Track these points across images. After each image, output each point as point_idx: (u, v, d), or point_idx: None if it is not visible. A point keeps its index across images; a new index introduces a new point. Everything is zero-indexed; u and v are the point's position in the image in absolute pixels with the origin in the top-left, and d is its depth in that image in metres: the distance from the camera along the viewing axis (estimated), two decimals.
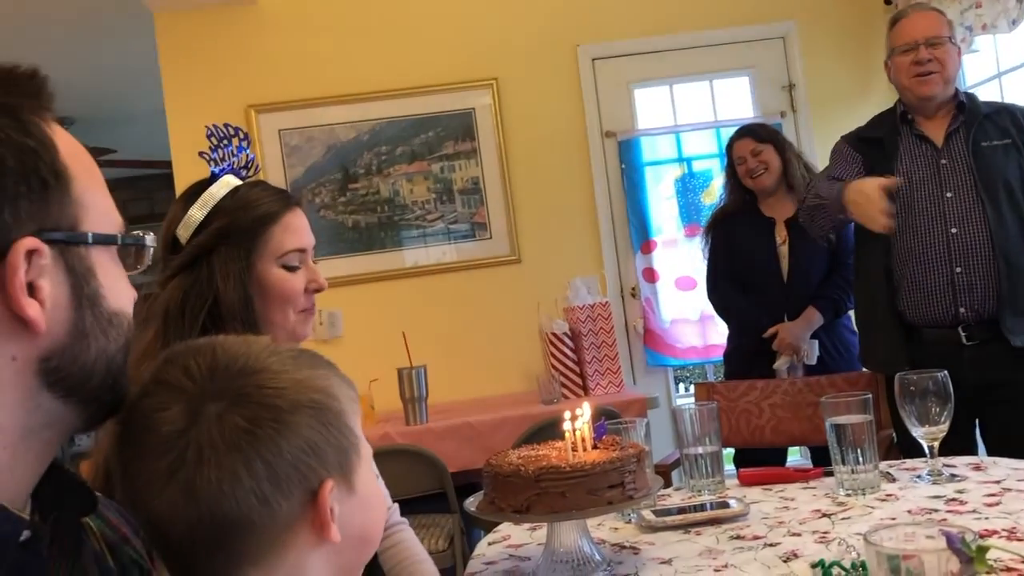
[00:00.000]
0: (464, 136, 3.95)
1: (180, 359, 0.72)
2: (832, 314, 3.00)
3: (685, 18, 4.02)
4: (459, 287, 3.92)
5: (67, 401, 0.66)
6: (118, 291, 0.70)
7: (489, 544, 1.54)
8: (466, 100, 3.95)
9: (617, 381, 3.51)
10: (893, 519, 1.39)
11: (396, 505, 1.62)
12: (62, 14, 4.06)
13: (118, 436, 0.71)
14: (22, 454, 0.64)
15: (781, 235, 3.07)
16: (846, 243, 3.03)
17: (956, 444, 1.80)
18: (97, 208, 0.68)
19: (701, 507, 1.53)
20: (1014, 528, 1.26)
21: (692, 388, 3.27)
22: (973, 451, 2.27)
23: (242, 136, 1.41)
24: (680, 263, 3.90)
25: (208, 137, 1.38)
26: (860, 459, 1.54)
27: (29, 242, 0.62)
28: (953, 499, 1.45)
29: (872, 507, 1.46)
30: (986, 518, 1.33)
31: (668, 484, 2.19)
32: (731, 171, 3.19)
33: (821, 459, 2.36)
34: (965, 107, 2.35)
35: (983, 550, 0.78)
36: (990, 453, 2.23)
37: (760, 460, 2.49)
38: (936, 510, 1.41)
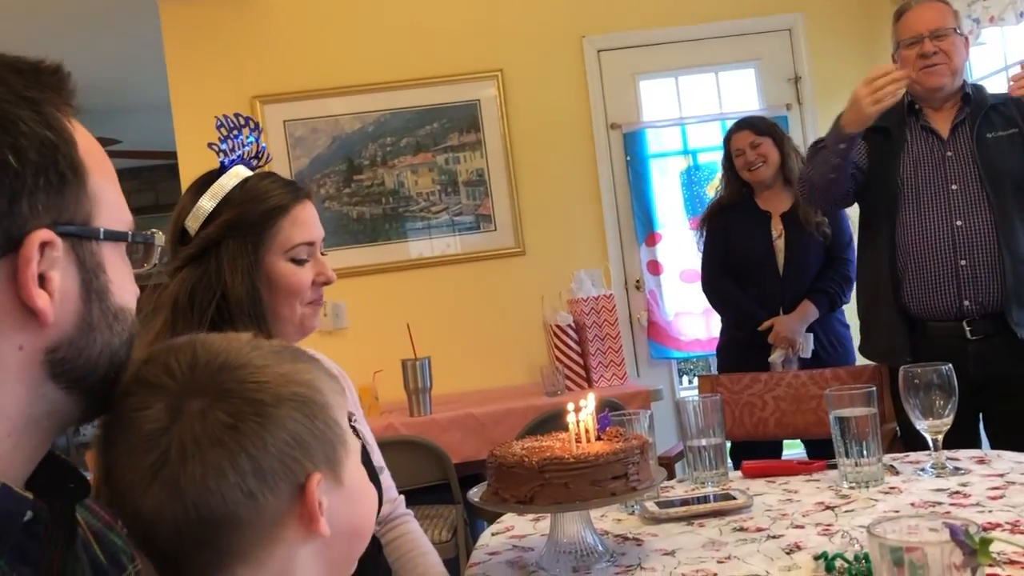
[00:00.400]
0: (469, 127, 3.94)
1: (160, 357, 0.72)
2: (828, 308, 3.01)
3: (691, 9, 4.01)
4: (463, 279, 3.92)
5: (70, 392, 0.67)
6: (125, 287, 0.71)
7: (493, 535, 1.54)
8: (471, 91, 3.94)
9: (621, 373, 3.52)
10: (896, 512, 1.39)
11: (402, 497, 1.62)
12: (67, 3, 4.05)
13: (102, 438, 0.70)
14: (23, 442, 0.65)
15: (777, 229, 3.07)
16: (842, 237, 3.04)
17: (959, 437, 1.80)
18: (110, 204, 0.69)
19: (704, 499, 1.53)
20: (1018, 521, 1.26)
21: (696, 380, 3.26)
22: (976, 445, 2.27)
23: (252, 126, 1.41)
24: (684, 256, 3.90)
25: (218, 128, 1.38)
26: (864, 452, 1.54)
27: (43, 234, 0.62)
28: (957, 492, 1.45)
29: (875, 500, 1.46)
30: (990, 511, 1.33)
31: (671, 476, 2.19)
32: (728, 163, 3.18)
33: (817, 453, 2.36)
34: (971, 99, 2.34)
35: (986, 543, 0.77)
36: (993, 447, 2.23)
37: (757, 455, 2.48)
38: (940, 503, 1.41)
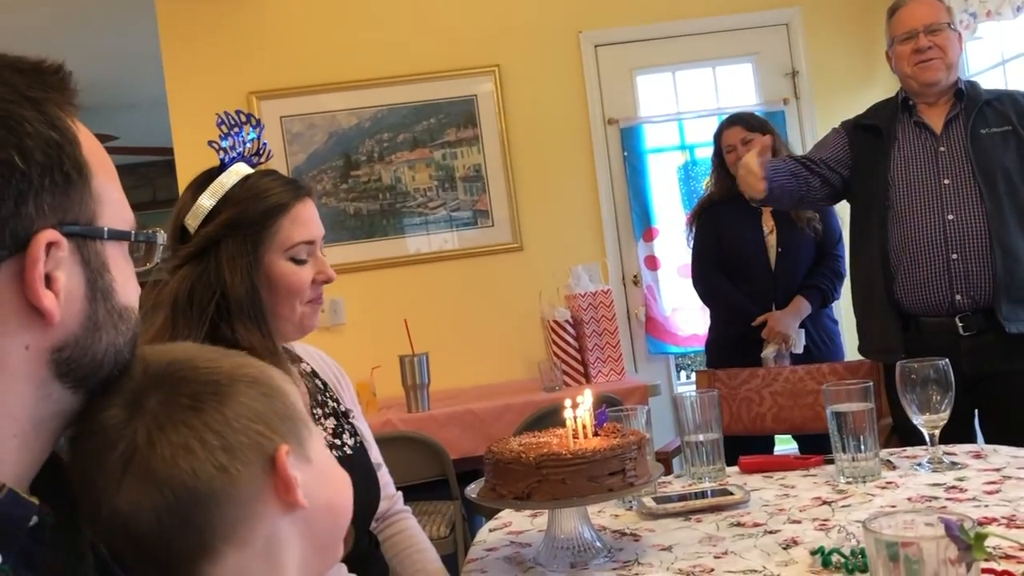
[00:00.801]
0: (466, 123, 3.94)
1: None
2: (820, 303, 3.02)
3: (688, 4, 4.01)
4: (461, 274, 3.92)
5: (76, 391, 0.67)
6: (128, 286, 0.71)
7: (490, 531, 1.54)
8: (468, 87, 3.94)
9: (618, 369, 3.52)
10: (893, 507, 1.39)
11: (400, 493, 1.63)
12: None
13: (71, 452, 0.70)
14: (30, 442, 0.65)
15: (768, 224, 3.07)
16: (832, 233, 3.05)
17: (955, 432, 1.81)
18: (113, 203, 0.70)
19: (702, 494, 1.54)
20: (1013, 516, 1.27)
21: (693, 376, 3.27)
22: (972, 440, 2.27)
23: (254, 123, 1.40)
24: (682, 251, 3.87)
25: (219, 125, 1.37)
26: (861, 447, 1.55)
27: (49, 234, 0.63)
28: (953, 487, 1.46)
29: (872, 495, 1.47)
30: (986, 505, 1.33)
31: (669, 471, 2.20)
32: (719, 159, 3.17)
33: (808, 449, 2.37)
34: (964, 94, 2.35)
35: (981, 537, 0.78)
36: (988, 442, 2.24)
37: (751, 451, 2.49)
38: (936, 498, 1.41)
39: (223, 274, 1.29)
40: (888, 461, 1.64)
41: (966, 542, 0.78)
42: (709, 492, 1.55)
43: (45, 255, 0.62)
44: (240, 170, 1.36)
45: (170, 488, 0.67)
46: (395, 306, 3.67)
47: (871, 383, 1.59)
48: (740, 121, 3.13)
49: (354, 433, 1.48)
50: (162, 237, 0.75)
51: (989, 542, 0.78)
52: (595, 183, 3.98)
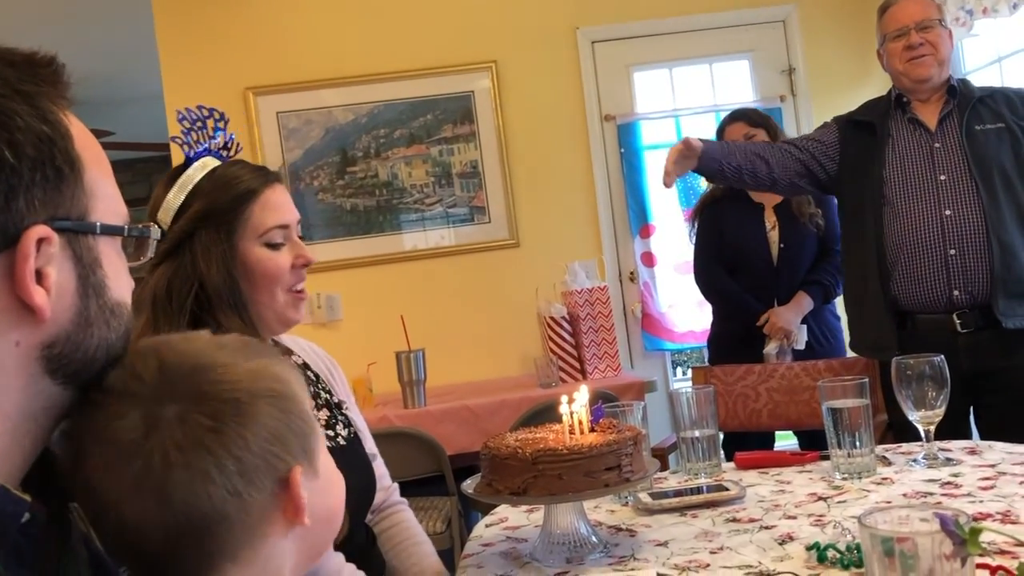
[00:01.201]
0: (463, 119, 3.94)
1: (126, 364, 0.71)
2: (822, 299, 3.02)
3: (685, 1, 4.01)
4: (457, 271, 3.92)
5: (67, 387, 0.67)
6: (121, 282, 0.71)
7: (486, 526, 1.54)
8: (465, 83, 3.93)
9: (615, 365, 3.52)
10: (888, 502, 1.40)
11: (396, 485, 1.63)
12: None
13: (74, 452, 0.68)
14: (21, 438, 0.64)
15: (771, 220, 3.07)
16: (834, 229, 3.05)
17: (950, 429, 1.81)
18: (106, 198, 0.69)
19: (697, 490, 1.54)
20: (1008, 511, 1.27)
21: (689, 372, 3.27)
22: (967, 436, 2.28)
23: (217, 117, 1.40)
24: (678, 247, 3.90)
25: (180, 121, 1.37)
26: (856, 443, 1.55)
27: (40, 230, 0.62)
28: (948, 483, 1.46)
29: (868, 490, 1.47)
30: (981, 501, 1.34)
31: (665, 467, 2.20)
32: None
33: (809, 444, 2.37)
34: (957, 91, 2.35)
35: (976, 533, 0.78)
36: (984, 438, 2.24)
37: (750, 447, 2.50)
38: (931, 493, 1.42)
39: (199, 266, 1.29)
40: (883, 457, 1.65)
41: (961, 537, 0.78)
42: (705, 488, 1.55)
43: (36, 251, 0.62)
44: (207, 163, 1.36)
45: (184, 512, 0.66)
46: (391, 302, 3.67)
47: (867, 379, 1.59)
48: (743, 117, 3.14)
49: (348, 424, 1.48)
50: (155, 231, 0.75)
51: (984, 537, 0.78)
52: (592, 180, 3.98)
